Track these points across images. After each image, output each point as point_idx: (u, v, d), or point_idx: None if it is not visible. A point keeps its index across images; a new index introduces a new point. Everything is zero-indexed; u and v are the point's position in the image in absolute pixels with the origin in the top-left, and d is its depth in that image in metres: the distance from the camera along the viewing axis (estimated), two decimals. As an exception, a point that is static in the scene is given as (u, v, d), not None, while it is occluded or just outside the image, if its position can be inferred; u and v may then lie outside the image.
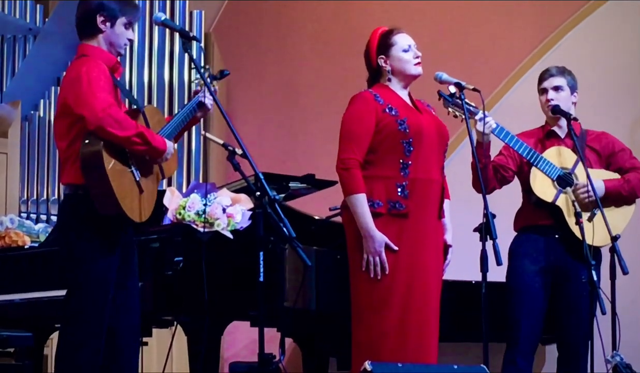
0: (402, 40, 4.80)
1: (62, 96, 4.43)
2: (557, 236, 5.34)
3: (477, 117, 5.15)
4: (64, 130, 4.40)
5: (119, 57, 4.54)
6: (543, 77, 5.52)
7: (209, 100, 4.61)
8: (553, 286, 5.35)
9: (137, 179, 4.37)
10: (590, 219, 5.27)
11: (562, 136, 5.45)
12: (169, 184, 7.46)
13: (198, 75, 4.59)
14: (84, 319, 4.35)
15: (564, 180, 5.32)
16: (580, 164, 5.30)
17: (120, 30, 4.48)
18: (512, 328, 5.32)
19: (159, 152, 4.39)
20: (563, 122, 5.43)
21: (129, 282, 4.51)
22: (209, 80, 4.62)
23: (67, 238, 4.46)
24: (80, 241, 4.38)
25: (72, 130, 4.36)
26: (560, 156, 5.37)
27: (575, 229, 5.17)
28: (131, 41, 4.56)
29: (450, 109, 5.05)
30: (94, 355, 4.34)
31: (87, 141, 4.28)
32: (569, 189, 5.27)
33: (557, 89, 5.46)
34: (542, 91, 5.50)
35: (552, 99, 5.44)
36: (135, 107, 4.52)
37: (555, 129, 5.48)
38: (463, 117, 4.91)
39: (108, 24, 4.46)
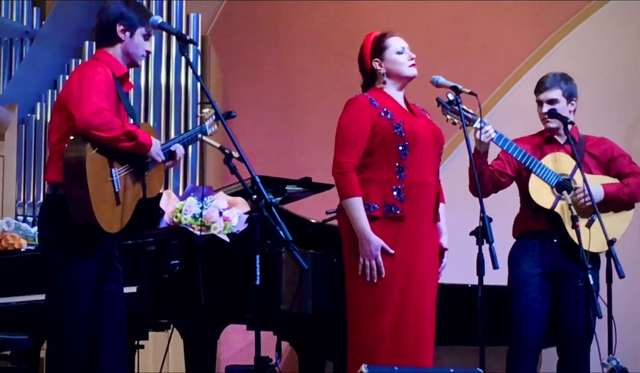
0: (395, 42, 4.80)
1: (63, 90, 4.43)
2: (555, 241, 5.33)
3: (475, 126, 5.13)
4: (57, 125, 4.39)
5: (131, 70, 4.55)
6: (538, 88, 5.45)
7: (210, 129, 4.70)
8: (553, 290, 5.35)
9: (117, 190, 4.33)
10: (588, 225, 5.25)
11: (562, 142, 5.41)
12: (166, 187, 7.45)
13: (205, 110, 4.64)
14: (64, 326, 4.33)
15: (563, 186, 5.30)
16: (578, 170, 5.27)
17: (139, 40, 4.49)
18: (515, 333, 5.32)
19: (145, 147, 4.36)
20: (562, 128, 5.39)
21: (109, 286, 4.46)
22: (213, 118, 4.72)
23: (45, 240, 4.43)
24: (58, 243, 4.33)
25: (65, 125, 4.33)
26: (556, 162, 5.35)
27: (573, 234, 5.15)
28: (149, 53, 4.56)
29: (449, 117, 5.03)
30: (77, 368, 4.33)
31: (72, 141, 4.26)
32: (566, 194, 5.25)
33: (551, 102, 5.40)
34: (539, 103, 5.46)
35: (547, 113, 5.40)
36: (132, 121, 4.50)
37: (555, 136, 5.45)
38: (462, 124, 4.88)
39: (128, 33, 4.47)
